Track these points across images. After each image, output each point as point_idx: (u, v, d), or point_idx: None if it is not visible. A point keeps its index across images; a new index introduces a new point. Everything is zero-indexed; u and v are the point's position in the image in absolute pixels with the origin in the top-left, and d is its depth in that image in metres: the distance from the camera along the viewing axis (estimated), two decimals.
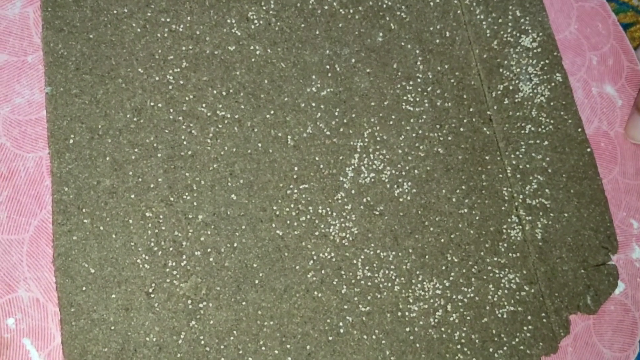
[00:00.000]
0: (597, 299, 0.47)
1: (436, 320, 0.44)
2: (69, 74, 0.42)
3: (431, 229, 0.45)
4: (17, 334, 0.40)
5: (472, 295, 0.44)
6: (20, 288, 0.40)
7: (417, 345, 0.43)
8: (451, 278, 0.44)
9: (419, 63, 0.47)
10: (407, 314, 0.43)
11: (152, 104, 0.42)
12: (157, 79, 0.43)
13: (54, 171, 0.41)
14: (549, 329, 0.45)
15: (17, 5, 0.43)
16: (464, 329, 0.44)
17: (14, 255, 0.40)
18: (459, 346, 0.44)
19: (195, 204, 0.42)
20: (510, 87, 0.49)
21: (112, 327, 0.39)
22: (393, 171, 0.45)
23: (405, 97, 0.46)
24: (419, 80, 0.47)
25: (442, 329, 0.44)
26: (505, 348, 0.44)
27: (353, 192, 0.44)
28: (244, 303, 0.41)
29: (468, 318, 0.44)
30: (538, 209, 0.47)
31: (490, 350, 0.44)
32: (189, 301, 0.40)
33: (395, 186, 0.45)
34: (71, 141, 0.41)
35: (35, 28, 0.43)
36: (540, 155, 0.48)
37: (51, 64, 0.42)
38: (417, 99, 0.46)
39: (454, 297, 0.44)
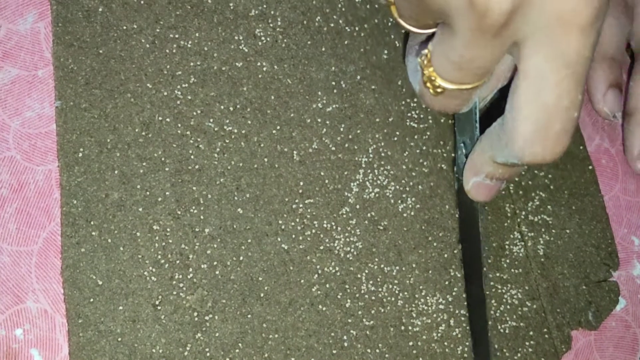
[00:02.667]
0: (599, 315, 0.47)
1: (439, 334, 0.44)
2: (78, 89, 0.42)
3: (434, 244, 0.45)
4: (25, 344, 0.40)
5: None
6: (29, 299, 0.41)
7: (420, 359, 0.43)
8: (454, 293, 0.45)
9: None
10: (410, 328, 0.44)
11: (160, 118, 0.43)
12: (165, 94, 0.43)
13: (63, 184, 0.41)
14: (551, 344, 0.46)
15: (28, 21, 0.44)
16: (467, 343, 0.44)
17: (22, 267, 0.41)
18: None
19: (202, 217, 0.42)
20: None
21: (119, 339, 0.40)
22: (397, 187, 0.45)
23: (409, 114, 0.47)
24: None
25: (445, 344, 0.44)
26: None
27: (358, 207, 0.44)
28: (249, 316, 0.42)
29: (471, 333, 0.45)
30: (540, 225, 0.48)
31: None
32: (195, 313, 0.41)
33: (400, 201, 0.45)
34: (80, 154, 0.41)
35: (46, 43, 0.44)
36: (542, 172, 0.49)
37: (61, 79, 0.42)
38: (422, 116, 0.47)
39: (457, 311, 0.45)
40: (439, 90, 0.38)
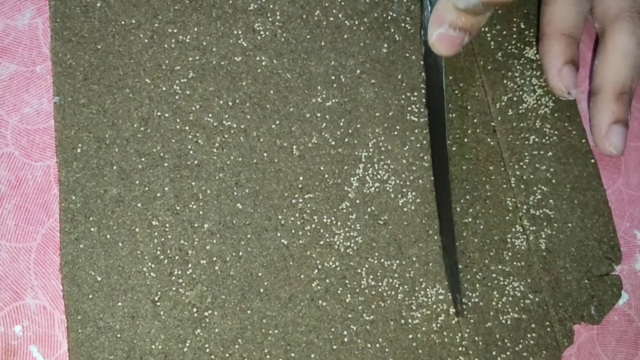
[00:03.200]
0: (601, 309, 0.47)
1: (438, 325, 0.44)
2: (77, 84, 0.42)
3: (435, 237, 0.45)
4: (24, 341, 0.40)
5: (476, 300, 0.45)
6: (28, 296, 0.40)
7: (420, 351, 0.43)
8: None
9: (423, 74, 0.47)
10: (410, 321, 0.43)
11: (159, 113, 0.43)
12: (164, 89, 0.43)
13: (62, 180, 0.41)
14: (553, 338, 0.45)
15: (26, 16, 0.44)
16: (467, 331, 0.44)
17: (21, 263, 0.41)
18: (460, 348, 0.44)
19: (201, 212, 0.42)
20: (514, 98, 0.49)
21: (118, 335, 0.40)
22: (397, 181, 0.45)
23: (409, 108, 0.47)
24: (423, 91, 0.47)
25: (444, 333, 0.44)
26: (508, 353, 0.44)
27: (358, 201, 0.44)
28: (249, 311, 0.41)
29: (472, 321, 0.44)
30: (542, 219, 0.47)
31: (494, 353, 0.44)
32: (195, 309, 0.41)
33: (400, 196, 0.45)
34: (79, 150, 0.41)
35: (44, 38, 0.44)
36: (544, 166, 0.48)
37: (59, 74, 0.42)
38: (422, 110, 0.47)
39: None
40: None
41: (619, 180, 0.52)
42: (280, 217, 0.43)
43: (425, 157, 0.46)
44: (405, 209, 0.45)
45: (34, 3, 0.44)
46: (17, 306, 0.40)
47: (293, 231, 0.43)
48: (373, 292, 0.43)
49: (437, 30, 0.44)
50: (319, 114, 0.45)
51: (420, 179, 0.46)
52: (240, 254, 0.42)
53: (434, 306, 0.44)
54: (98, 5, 0.43)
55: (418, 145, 0.46)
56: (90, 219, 0.41)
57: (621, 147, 0.47)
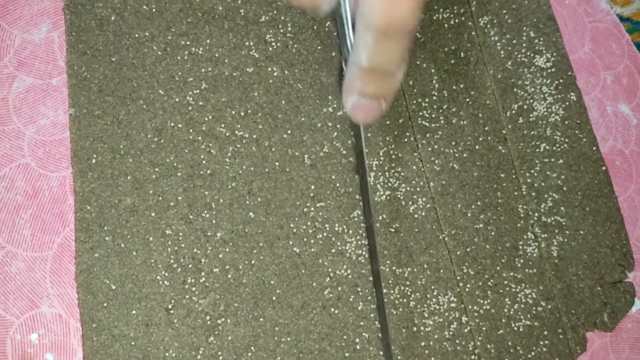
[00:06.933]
0: (614, 317, 0.47)
1: (451, 332, 0.44)
2: (92, 96, 0.43)
3: (446, 242, 0.45)
4: (40, 349, 0.40)
5: (488, 307, 0.45)
6: (44, 304, 0.41)
7: (432, 359, 0.43)
8: (467, 289, 0.45)
9: (434, 81, 0.48)
10: (422, 328, 0.43)
11: (172, 124, 0.43)
12: (177, 100, 0.44)
13: (77, 190, 0.42)
14: (566, 345, 0.45)
15: (42, 30, 0.45)
16: (480, 338, 0.44)
17: (37, 272, 0.41)
18: (473, 357, 0.44)
19: (214, 221, 0.42)
20: (525, 107, 0.49)
21: (133, 343, 0.40)
22: (408, 188, 0.45)
23: (420, 113, 0.47)
24: (434, 97, 0.48)
25: (457, 341, 0.44)
26: None
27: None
28: (261, 319, 0.42)
29: (484, 329, 0.44)
30: (553, 226, 0.47)
31: None
32: (208, 317, 0.41)
33: (410, 202, 0.45)
34: (94, 161, 0.42)
35: (60, 52, 0.45)
36: (555, 174, 0.48)
37: (75, 87, 0.43)
38: (433, 116, 0.47)
39: (470, 307, 0.44)
40: None
41: (630, 188, 0.52)
42: (292, 225, 0.43)
43: (436, 161, 0.46)
44: (416, 216, 0.45)
45: (50, 17, 0.45)
46: (34, 314, 0.41)
47: (305, 239, 0.43)
48: (385, 300, 0.43)
49: (350, 100, 0.39)
50: (330, 124, 0.45)
51: (431, 182, 0.46)
52: (253, 262, 0.42)
53: (446, 314, 0.44)
54: (112, 19, 0.44)
55: (429, 149, 0.46)
56: (105, 228, 0.41)
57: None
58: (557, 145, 0.49)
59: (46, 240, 0.42)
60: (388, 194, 0.45)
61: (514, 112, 0.49)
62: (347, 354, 0.42)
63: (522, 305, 0.45)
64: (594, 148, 0.50)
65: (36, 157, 0.43)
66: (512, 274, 0.46)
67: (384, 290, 0.43)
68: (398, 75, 0.38)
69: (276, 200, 0.44)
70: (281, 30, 0.46)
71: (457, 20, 0.50)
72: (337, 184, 0.45)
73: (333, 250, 0.43)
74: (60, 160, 0.43)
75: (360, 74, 0.37)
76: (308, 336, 0.42)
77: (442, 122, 0.47)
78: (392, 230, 0.45)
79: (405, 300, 0.44)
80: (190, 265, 0.42)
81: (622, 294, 0.47)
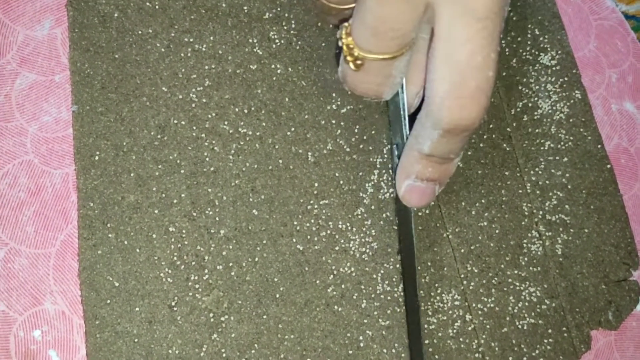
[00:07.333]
0: (619, 315, 0.47)
1: (455, 331, 0.44)
2: (95, 93, 0.43)
3: (450, 240, 0.45)
4: (44, 345, 0.40)
5: (492, 305, 0.45)
6: (47, 301, 0.41)
7: (436, 357, 0.43)
8: (471, 287, 0.45)
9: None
10: (426, 326, 0.43)
11: (175, 121, 0.43)
12: (180, 97, 0.44)
13: (80, 187, 0.41)
14: (570, 343, 0.45)
15: (45, 27, 0.45)
16: (484, 336, 0.44)
17: (40, 269, 0.41)
18: (477, 355, 0.44)
19: (217, 219, 0.42)
20: (530, 104, 0.49)
21: (136, 340, 0.40)
22: None
23: None
24: None
25: (461, 339, 0.44)
26: (525, 359, 0.44)
27: (373, 207, 0.44)
28: (265, 317, 0.42)
29: (488, 327, 0.44)
30: (558, 224, 0.47)
31: (510, 359, 0.44)
32: (211, 314, 0.41)
33: None
34: (97, 158, 0.42)
35: (63, 48, 0.45)
36: (559, 172, 0.48)
37: (78, 83, 0.43)
38: None
39: (474, 305, 0.44)
40: (358, 62, 0.37)
41: (635, 186, 0.52)
42: (295, 223, 0.43)
43: None
44: (420, 214, 0.45)
45: (53, 14, 0.45)
46: (37, 311, 0.41)
47: (308, 237, 0.43)
48: (389, 298, 0.43)
49: (405, 182, 0.41)
50: (334, 121, 0.45)
51: None
52: (256, 259, 0.42)
53: (450, 312, 0.44)
54: (115, 15, 0.44)
55: None
56: (108, 225, 0.41)
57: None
58: (562, 143, 0.49)
59: (49, 237, 0.42)
60: (392, 192, 0.45)
61: (518, 109, 0.49)
62: (350, 352, 0.42)
63: (527, 304, 0.45)
64: (599, 146, 0.50)
65: (39, 154, 0.43)
66: (516, 272, 0.46)
67: (388, 289, 0.43)
68: (456, 161, 0.39)
69: (280, 197, 0.43)
70: (285, 28, 0.46)
71: None
72: (341, 182, 0.44)
73: (337, 248, 0.43)
74: (63, 157, 0.43)
75: (419, 159, 0.38)
76: (311, 333, 0.42)
77: None
78: (396, 227, 0.44)
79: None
80: (193, 263, 0.42)
81: (626, 293, 0.47)
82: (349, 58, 0.37)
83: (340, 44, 0.38)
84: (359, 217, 0.44)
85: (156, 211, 0.42)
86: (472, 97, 0.34)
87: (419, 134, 0.37)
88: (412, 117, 0.39)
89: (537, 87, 0.50)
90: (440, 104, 0.34)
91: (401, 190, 0.41)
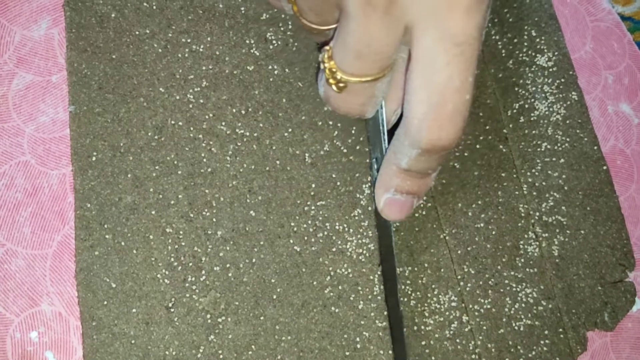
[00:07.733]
0: (615, 316, 0.47)
1: (451, 332, 0.44)
2: (92, 93, 0.43)
3: (446, 241, 0.45)
4: (40, 347, 0.40)
5: (488, 306, 0.45)
6: (44, 302, 0.41)
7: (433, 358, 0.43)
8: (468, 289, 0.45)
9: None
10: (422, 327, 0.43)
11: (172, 122, 0.43)
12: (177, 98, 0.44)
13: (77, 188, 0.41)
14: (566, 345, 0.45)
15: (42, 27, 0.45)
16: (480, 338, 0.44)
17: (37, 270, 0.41)
18: (474, 356, 0.44)
19: (214, 220, 0.42)
20: (526, 106, 0.49)
21: (133, 341, 0.40)
22: None
23: None
24: None
25: (457, 340, 0.44)
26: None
27: (370, 208, 0.44)
28: (262, 318, 0.42)
29: (484, 328, 0.44)
30: (554, 226, 0.47)
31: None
32: (208, 316, 0.41)
33: None
34: (94, 158, 0.42)
35: (60, 49, 0.45)
36: (556, 173, 0.48)
37: (75, 84, 0.43)
38: None
39: (470, 306, 0.44)
40: (341, 85, 0.37)
41: (631, 187, 0.52)
42: (292, 224, 0.43)
43: None
44: (416, 215, 0.45)
45: (49, 14, 0.45)
46: (33, 312, 0.41)
47: (306, 238, 0.43)
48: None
49: (384, 196, 0.41)
50: (330, 122, 0.45)
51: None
52: (254, 260, 0.42)
53: (447, 313, 0.44)
54: (113, 16, 0.44)
55: None
56: (105, 226, 0.41)
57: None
58: (558, 144, 0.49)
59: (46, 238, 0.42)
60: None
61: (515, 111, 0.49)
62: (347, 353, 0.42)
63: (523, 305, 0.45)
64: (595, 147, 0.50)
65: (36, 154, 0.43)
66: (512, 273, 0.46)
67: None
68: (433, 175, 0.40)
69: (277, 198, 0.43)
70: (282, 29, 0.46)
71: None
72: (338, 183, 0.44)
73: (334, 249, 0.43)
74: (60, 157, 0.43)
75: (398, 173, 0.39)
76: (308, 335, 0.42)
77: None
78: (393, 229, 0.44)
79: (405, 299, 0.44)
80: (190, 264, 0.41)
81: (622, 294, 0.47)
82: (331, 81, 0.37)
83: (322, 67, 0.38)
84: (356, 218, 0.44)
85: (153, 212, 0.42)
86: (450, 119, 0.34)
87: (397, 150, 0.37)
88: (391, 132, 0.39)
89: (533, 88, 0.50)
90: (418, 125, 0.34)
91: (380, 203, 0.41)
